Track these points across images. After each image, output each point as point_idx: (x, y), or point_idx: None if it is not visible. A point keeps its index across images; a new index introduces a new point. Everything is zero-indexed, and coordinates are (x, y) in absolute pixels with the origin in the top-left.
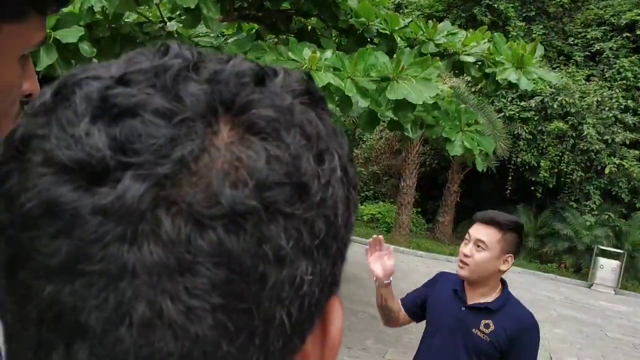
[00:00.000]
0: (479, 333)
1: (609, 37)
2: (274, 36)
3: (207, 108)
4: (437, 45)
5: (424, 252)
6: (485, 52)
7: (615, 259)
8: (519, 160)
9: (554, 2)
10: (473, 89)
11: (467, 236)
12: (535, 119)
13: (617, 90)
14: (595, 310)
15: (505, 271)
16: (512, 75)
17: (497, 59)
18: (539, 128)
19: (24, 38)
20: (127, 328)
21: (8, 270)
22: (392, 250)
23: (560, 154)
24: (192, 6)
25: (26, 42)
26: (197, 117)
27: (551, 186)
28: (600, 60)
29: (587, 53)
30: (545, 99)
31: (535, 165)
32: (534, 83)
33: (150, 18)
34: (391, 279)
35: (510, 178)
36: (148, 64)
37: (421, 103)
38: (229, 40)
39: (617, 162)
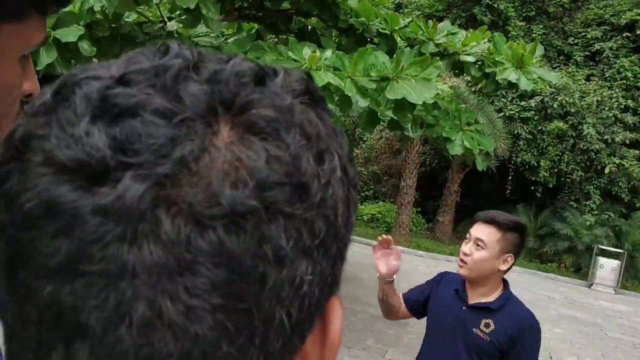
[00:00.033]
0: (479, 333)
1: (609, 36)
2: (274, 36)
3: (207, 108)
4: (437, 45)
5: (424, 251)
6: (485, 51)
7: (615, 259)
8: (519, 160)
9: (554, 2)
10: (473, 89)
11: (468, 235)
12: (535, 118)
13: (617, 90)
14: (595, 309)
15: (505, 271)
16: (512, 75)
17: (497, 59)
18: (539, 128)
19: (24, 38)
20: (127, 328)
21: (8, 271)
22: (400, 252)
23: (560, 153)
24: (192, 6)
25: (26, 42)
26: (197, 117)
27: (551, 186)
28: (600, 60)
29: (587, 53)
30: (545, 99)
31: (535, 165)
32: (534, 83)
33: (150, 18)
34: (394, 277)
35: (510, 178)
36: (148, 63)
37: (421, 103)
38: (229, 40)
39: (617, 161)
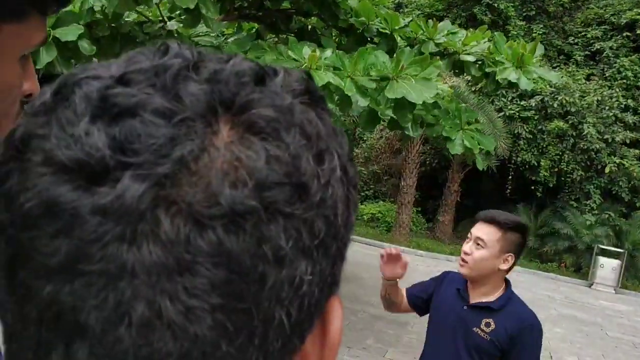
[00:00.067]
0: (479, 332)
1: (609, 36)
2: (274, 35)
3: (206, 108)
4: (437, 45)
5: (424, 251)
6: (486, 51)
7: (616, 258)
8: (519, 159)
9: (554, 1)
10: (473, 89)
11: (469, 235)
12: (536, 118)
13: (617, 90)
14: (595, 309)
15: (506, 270)
16: (512, 75)
17: (497, 59)
18: (539, 127)
19: (24, 38)
20: (126, 328)
21: (8, 271)
22: (407, 262)
23: (560, 153)
24: (191, 6)
25: (27, 42)
26: (197, 117)
27: (551, 185)
28: (600, 59)
29: (587, 52)
30: (546, 98)
31: (536, 164)
32: (534, 82)
33: (150, 17)
34: (398, 280)
35: (510, 177)
36: (148, 63)
37: (421, 103)
38: (229, 40)
39: (617, 161)
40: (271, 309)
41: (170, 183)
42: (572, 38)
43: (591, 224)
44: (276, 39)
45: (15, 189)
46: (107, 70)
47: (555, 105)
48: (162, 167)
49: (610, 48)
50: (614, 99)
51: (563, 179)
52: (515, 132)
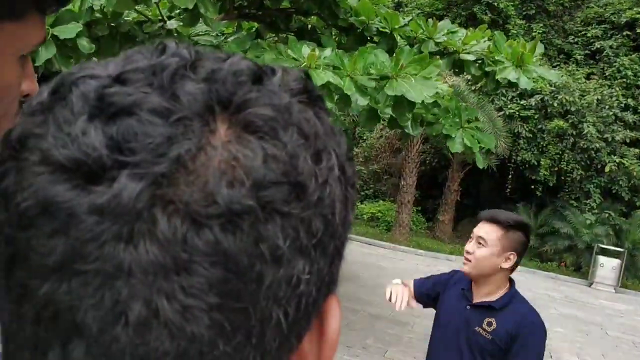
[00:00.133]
0: (481, 331)
1: (609, 35)
2: (273, 35)
3: (204, 107)
4: (437, 44)
5: (424, 250)
6: (485, 50)
7: (616, 258)
8: (519, 158)
9: (554, 0)
10: (473, 88)
11: (471, 234)
12: (536, 117)
13: (617, 89)
14: (595, 308)
15: (509, 269)
16: (511, 74)
17: (497, 58)
18: (539, 126)
19: (23, 38)
20: (123, 327)
21: (6, 270)
22: (413, 305)
23: (560, 152)
24: (190, 6)
25: (26, 42)
26: (194, 116)
27: (551, 185)
28: (600, 58)
29: (587, 51)
30: (546, 98)
31: (536, 163)
32: (534, 81)
33: (150, 17)
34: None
35: (510, 177)
36: (145, 62)
37: (420, 101)
38: (228, 39)
39: (617, 160)
40: (268, 308)
41: (167, 182)
42: (572, 37)
43: (591, 223)
44: (276, 38)
45: (12, 188)
46: (105, 70)
47: (555, 105)
48: (159, 166)
49: (610, 47)
50: (614, 98)
51: (563, 178)
52: (515, 131)
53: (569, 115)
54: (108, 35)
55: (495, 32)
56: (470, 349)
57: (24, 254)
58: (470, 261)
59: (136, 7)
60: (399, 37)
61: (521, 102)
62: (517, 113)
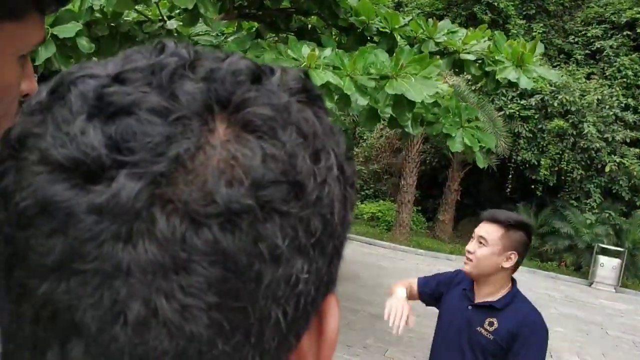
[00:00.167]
0: (483, 331)
1: (609, 35)
2: (274, 35)
3: (203, 106)
4: (437, 44)
5: (424, 250)
6: (486, 50)
7: (616, 257)
8: (519, 158)
9: (554, 0)
10: (473, 88)
11: (473, 234)
12: (536, 117)
13: (618, 89)
14: (595, 308)
15: (510, 269)
16: (512, 74)
17: (497, 58)
18: (539, 126)
19: (23, 37)
20: (122, 327)
21: (5, 270)
22: (411, 324)
23: (560, 152)
24: (190, 7)
25: (25, 42)
26: (193, 116)
27: (551, 184)
28: (600, 58)
29: (587, 51)
30: (546, 97)
31: (536, 163)
32: (534, 81)
33: (150, 17)
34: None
35: (510, 176)
36: (144, 62)
37: (420, 101)
38: (228, 39)
39: (618, 160)
40: (267, 308)
41: (166, 181)
42: (572, 37)
43: (591, 222)
44: (276, 38)
45: (11, 188)
46: (104, 69)
47: (555, 104)
48: (158, 165)
49: (611, 47)
50: (614, 98)
51: (563, 178)
52: (516, 131)
53: (569, 115)
54: (108, 35)
55: (495, 32)
56: (472, 349)
57: (22, 254)
58: (471, 261)
59: (136, 7)
60: (399, 37)
61: (521, 102)
62: (517, 113)
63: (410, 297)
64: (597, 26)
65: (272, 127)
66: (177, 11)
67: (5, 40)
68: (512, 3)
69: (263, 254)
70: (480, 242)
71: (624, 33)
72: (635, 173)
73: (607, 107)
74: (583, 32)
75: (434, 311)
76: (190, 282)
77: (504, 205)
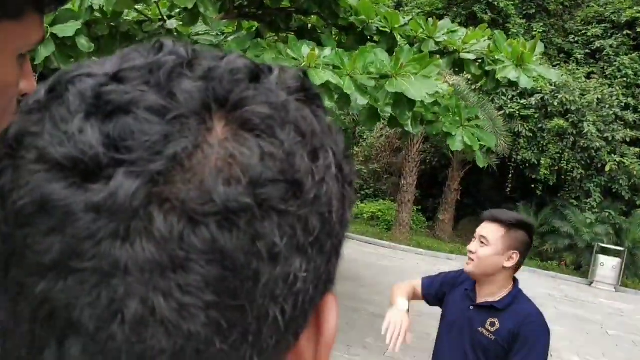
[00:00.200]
0: (484, 332)
1: (609, 34)
2: (273, 34)
3: (201, 105)
4: (437, 43)
5: (424, 250)
6: (486, 49)
7: (616, 257)
8: (519, 158)
9: None
10: (473, 87)
11: (474, 235)
12: (536, 116)
13: (618, 88)
14: (595, 307)
15: (511, 268)
16: (512, 73)
17: (497, 57)
18: (540, 126)
19: (22, 37)
20: (120, 325)
21: (3, 269)
22: (408, 342)
23: (560, 151)
24: (190, 6)
25: (24, 41)
26: (191, 114)
27: (551, 184)
28: (600, 57)
29: (587, 50)
30: (546, 97)
31: (536, 162)
32: (534, 81)
33: (150, 16)
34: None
35: (510, 176)
36: (142, 61)
37: (420, 100)
38: (228, 39)
39: (618, 159)
40: (265, 306)
41: (164, 180)
42: (573, 36)
43: (591, 222)
44: (276, 38)
45: (9, 186)
46: (102, 68)
47: (555, 104)
48: (156, 164)
49: (611, 46)
50: (614, 97)
51: (563, 177)
52: (516, 130)
53: (569, 115)
54: (108, 35)
55: (495, 31)
56: (473, 350)
57: (20, 252)
58: (473, 260)
59: (136, 7)
60: (399, 37)
61: (521, 102)
62: (518, 112)
63: (413, 297)
64: (597, 25)
65: (270, 125)
66: (177, 10)
67: (4, 40)
68: (512, 2)
69: (261, 252)
70: (482, 242)
71: (624, 32)
72: (635, 172)
73: (607, 106)
74: (583, 32)
75: (433, 310)
76: (187, 281)
77: (504, 205)
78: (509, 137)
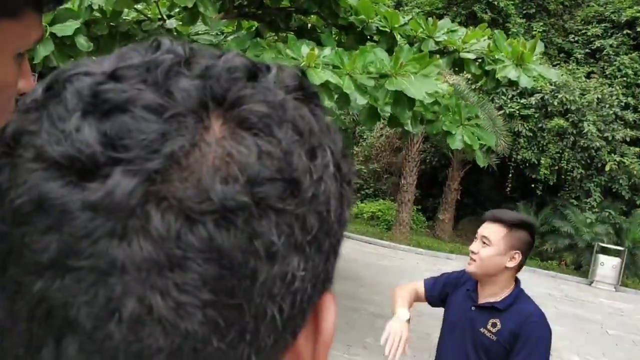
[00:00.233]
0: (486, 332)
1: (609, 34)
2: (273, 34)
3: (198, 103)
4: (437, 43)
5: (424, 249)
6: (485, 49)
7: (616, 256)
8: (519, 157)
9: None
10: (473, 87)
11: (476, 235)
12: (536, 116)
13: (618, 88)
14: (595, 307)
15: (513, 268)
16: (512, 73)
17: (497, 56)
18: (540, 125)
19: (20, 36)
20: (117, 324)
21: (0, 267)
22: (406, 352)
23: (560, 151)
24: (190, 5)
25: (22, 40)
26: (188, 113)
27: (551, 183)
28: (600, 57)
29: (587, 50)
30: (546, 96)
31: (536, 162)
32: (534, 80)
33: (149, 16)
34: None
35: (510, 175)
36: (140, 59)
37: (419, 98)
38: (228, 38)
39: (618, 159)
40: (263, 305)
41: (161, 179)
42: (572, 36)
43: (591, 222)
44: (276, 37)
45: (6, 185)
46: (99, 66)
47: (555, 103)
48: (153, 162)
49: (611, 46)
50: (614, 97)
51: (563, 177)
52: (516, 130)
53: (569, 114)
54: (107, 35)
55: (495, 30)
56: (475, 350)
57: (18, 251)
58: (475, 261)
59: (135, 6)
60: (398, 36)
61: (521, 101)
62: (518, 112)
63: (416, 299)
64: (597, 25)
65: (267, 124)
66: (177, 10)
67: (3, 39)
68: (512, 2)
69: (258, 251)
70: (484, 243)
71: (624, 32)
72: (635, 172)
73: (607, 106)
74: (583, 31)
75: (433, 310)
76: (185, 280)
77: (504, 205)
78: (509, 137)
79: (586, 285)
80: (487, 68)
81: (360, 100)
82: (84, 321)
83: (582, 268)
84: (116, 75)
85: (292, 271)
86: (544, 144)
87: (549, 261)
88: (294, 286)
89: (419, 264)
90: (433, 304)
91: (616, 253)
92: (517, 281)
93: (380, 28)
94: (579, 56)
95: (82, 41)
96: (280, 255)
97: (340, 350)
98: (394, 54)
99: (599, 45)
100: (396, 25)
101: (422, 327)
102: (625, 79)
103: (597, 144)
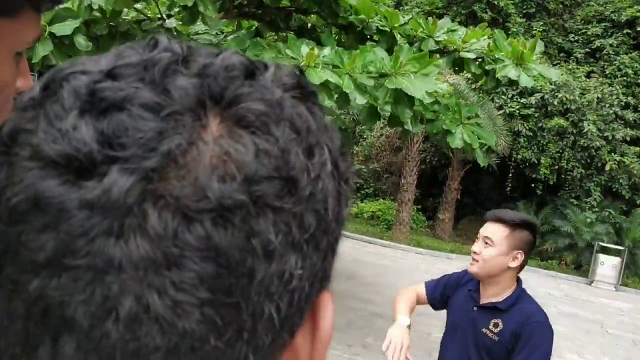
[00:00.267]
0: (488, 332)
1: (609, 33)
2: (273, 33)
3: (195, 101)
4: (437, 42)
5: (424, 249)
6: (485, 48)
7: (616, 256)
8: (519, 157)
9: None
10: (473, 86)
11: (478, 235)
12: (536, 115)
13: (618, 87)
14: (595, 306)
15: (516, 268)
16: (512, 72)
17: (497, 56)
18: (540, 125)
19: (18, 35)
20: (114, 323)
21: None
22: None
23: (560, 150)
24: (189, 4)
25: (20, 39)
26: (186, 111)
27: (551, 183)
28: (600, 56)
29: (587, 50)
30: (546, 96)
31: (536, 162)
32: (534, 80)
33: (149, 15)
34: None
35: (510, 175)
36: (137, 57)
37: (419, 96)
38: (228, 38)
39: (618, 158)
40: (260, 304)
41: (158, 177)
42: (572, 35)
43: (591, 221)
44: (275, 37)
45: (3, 183)
46: (96, 65)
47: (555, 103)
48: (150, 161)
49: (611, 45)
50: (614, 97)
51: (563, 176)
52: (516, 129)
53: (569, 114)
54: (107, 35)
55: (495, 30)
56: (477, 350)
57: (14, 250)
58: (477, 261)
59: (135, 6)
60: (398, 36)
61: (521, 101)
62: (518, 111)
63: (418, 303)
64: (597, 24)
65: (265, 122)
66: (177, 9)
67: (0, 38)
68: (512, 1)
69: (256, 249)
70: (486, 243)
71: (624, 31)
72: (635, 171)
73: (607, 105)
74: (583, 31)
75: (433, 310)
76: (182, 278)
77: (504, 204)
78: (509, 136)
79: (586, 285)
80: (487, 67)
81: (360, 100)
82: (81, 320)
83: (582, 268)
84: (113, 73)
85: (289, 270)
86: (544, 143)
87: (549, 261)
88: (291, 285)
89: (419, 264)
90: (435, 307)
91: (616, 252)
92: (519, 281)
93: (380, 27)
94: (579, 56)
95: (81, 41)
96: (277, 254)
97: (340, 350)
98: (394, 53)
99: (599, 44)
100: (396, 25)
101: (422, 326)
102: (625, 78)
103: (597, 144)
